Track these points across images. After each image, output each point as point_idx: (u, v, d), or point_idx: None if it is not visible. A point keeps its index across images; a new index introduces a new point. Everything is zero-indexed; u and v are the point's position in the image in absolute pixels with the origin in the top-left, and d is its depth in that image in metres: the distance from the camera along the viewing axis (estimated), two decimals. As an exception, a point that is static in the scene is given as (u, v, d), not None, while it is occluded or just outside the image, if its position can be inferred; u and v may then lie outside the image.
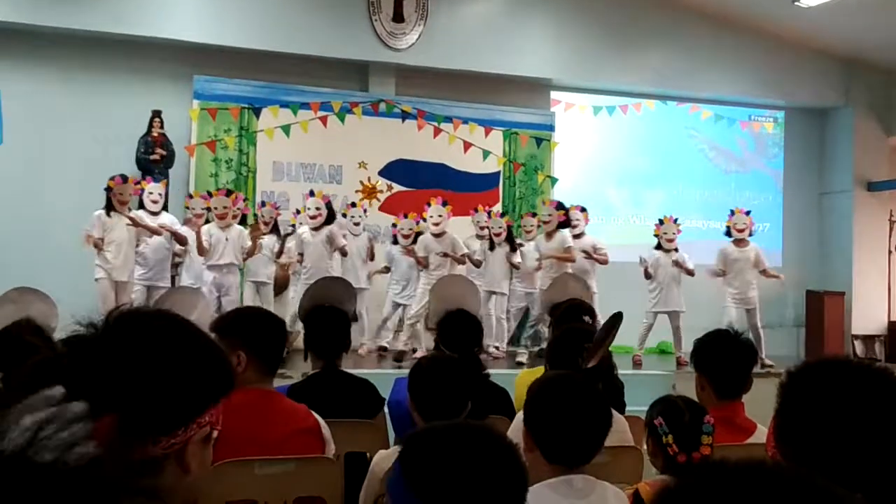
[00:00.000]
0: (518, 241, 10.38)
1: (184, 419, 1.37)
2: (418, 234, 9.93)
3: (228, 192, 9.46)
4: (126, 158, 10.32)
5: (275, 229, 9.80)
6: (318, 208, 9.35)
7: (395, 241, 10.10)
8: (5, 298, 4.38)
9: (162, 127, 10.44)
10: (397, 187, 11.47)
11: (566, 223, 9.89)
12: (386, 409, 4.06)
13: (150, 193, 9.20)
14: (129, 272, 8.79)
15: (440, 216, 9.86)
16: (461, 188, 11.57)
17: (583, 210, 10.40)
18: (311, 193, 9.60)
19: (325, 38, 10.97)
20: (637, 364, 10.02)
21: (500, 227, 10.11)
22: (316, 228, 9.31)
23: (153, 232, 8.94)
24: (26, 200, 9.96)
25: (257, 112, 10.93)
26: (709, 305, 10.35)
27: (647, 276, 10.19)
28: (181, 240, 9.12)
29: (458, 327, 4.27)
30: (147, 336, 1.37)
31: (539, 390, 2.55)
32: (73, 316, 1.41)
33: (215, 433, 1.42)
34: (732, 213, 10.53)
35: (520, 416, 2.92)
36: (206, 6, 10.63)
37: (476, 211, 10.57)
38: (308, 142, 11.07)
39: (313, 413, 3.23)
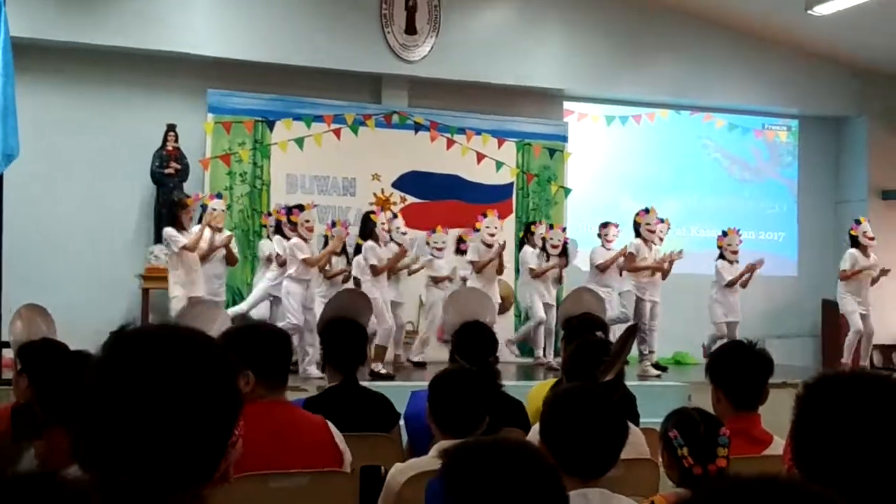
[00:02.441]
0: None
1: (225, 439, 1.37)
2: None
3: (301, 207, 9.45)
4: (141, 172, 10.38)
5: (342, 249, 9.59)
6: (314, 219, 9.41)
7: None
8: (16, 314, 4.44)
9: (176, 141, 10.49)
10: (411, 199, 11.48)
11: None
12: (402, 423, 4.07)
13: (214, 210, 9.20)
14: (202, 288, 8.80)
15: (497, 227, 10.08)
16: (474, 199, 11.55)
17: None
18: (333, 224, 9.68)
19: (338, 50, 11.01)
20: None
21: (559, 240, 10.33)
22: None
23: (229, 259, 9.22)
24: (41, 213, 10.03)
25: (271, 125, 10.96)
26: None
27: (744, 285, 10.33)
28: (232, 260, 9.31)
29: (473, 338, 4.28)
30: (157, 362, 1.34)
31: (555, 402, 2.55)
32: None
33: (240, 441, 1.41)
34: (858, 222, 10.60)
35: (535, 428, 2.91)
36: (220, 20, 10.68)
37: (539, 223, 10.75)
38: (321, 154, 11.09)
39: (329, 424, 3.24)
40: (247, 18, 10.75)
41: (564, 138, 12.26)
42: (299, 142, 10.94)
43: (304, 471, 3.04)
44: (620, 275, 10.23)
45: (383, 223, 9.59)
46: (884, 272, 10.50)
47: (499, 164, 11.76)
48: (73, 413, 1.36)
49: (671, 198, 13.06)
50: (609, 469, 2.42)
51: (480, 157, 11.69)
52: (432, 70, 11.44)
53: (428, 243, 10.21)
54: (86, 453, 1.30)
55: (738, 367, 3.44)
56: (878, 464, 1.45)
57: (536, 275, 10.33)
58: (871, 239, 10.46)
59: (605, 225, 10.84)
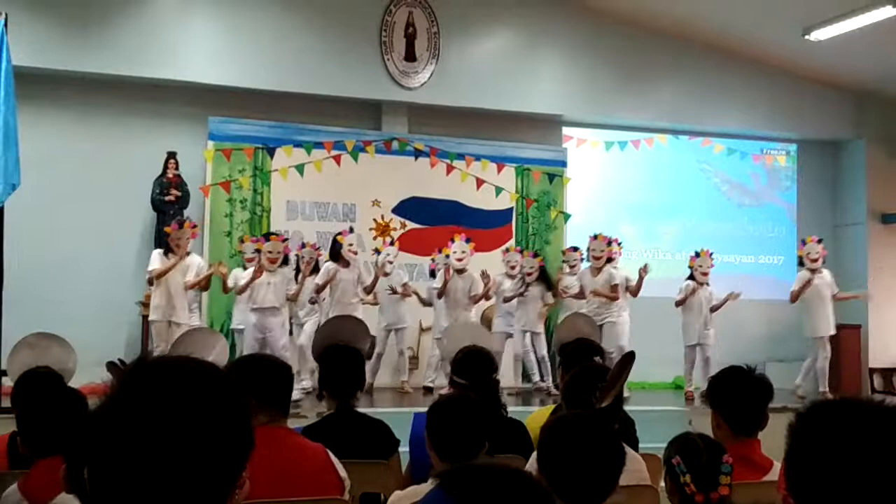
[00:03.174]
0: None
1: (233, 482, 1.35)
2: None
3: (284, 239, 9.54)
4: (142, 199, 10.40)
5: (315, 270, 9.63)
6: (278, 252, 9.25)
7: (433, 275, 10.38)
8: (23, 343, 4.40)
9: (177, 168, 10.53)
10: (411, 225, 11.51)
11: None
12: (407, 447, 4.04)
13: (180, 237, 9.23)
14: (182, 314, 8.83)
15: (464, 252, 9.90)
16: (474, 225, 11.58)
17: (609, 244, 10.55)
18: (303, 245, 9.69)
19: (338, 78, 11.07)
20: (690, 399, 10.05)
21: (531, 267, 10.18)
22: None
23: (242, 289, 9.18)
24: (43, 242, 10.03)
25: (271, 152, 11.01)
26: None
27: (714, 309, 10.29)
28: (204, 286, 9.27)
29: (471, 358, 4.27)
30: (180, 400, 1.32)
31: (551, 430, 2.54)
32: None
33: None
34: (804, 242, 10.63)
35: (535, 456, 2.91)
36: (221, 48, 10.75)
37: (507, 251, 10.66)
38: (322, 181, 11.13)
39: (328, 452, 3.23)
40: (247, 46, 10.81)
41: (564, 163, 12.30)
42: (299, 168, 10.97)
43: (303, 499, 3.03)
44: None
45: (350, 244, 9.61)
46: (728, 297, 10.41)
47: (498, 190, 11.79)
48: (68, 445, 1.35)
49: (670, 222, 13.10)
50: (607, 496, 2.42)
51: (480, 182, 11.72)
52: (432, 97, 11.50)
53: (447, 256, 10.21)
54: (91, 487, 1.29)
55: (737, 392, 3.43)
56: (872, 493, 1.44)
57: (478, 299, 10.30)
58: (815, 261, 10.42)
59: (565, 251, 10.99)
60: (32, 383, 3.71)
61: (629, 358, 3.31)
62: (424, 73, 11.51)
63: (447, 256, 10.06)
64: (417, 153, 11.55)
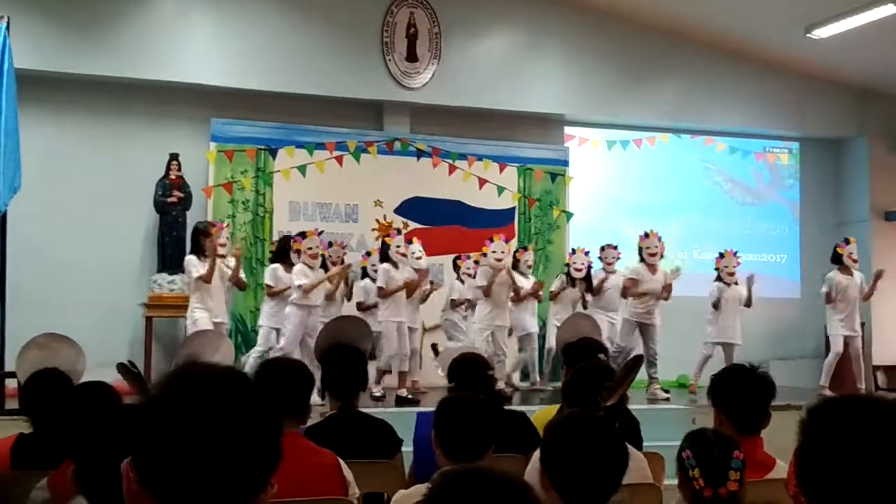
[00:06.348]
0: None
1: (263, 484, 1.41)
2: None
3: (304, 235, 9.53)
4: (145, 201, 10.41)
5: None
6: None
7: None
8: (32, 344, 4.41)
9: (179, 169, 10.53)
10: (413, 225, 11.50)
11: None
12: (409, 448, 4.06)
13: (218, 238, 9.25)
14: (223, 314, 8.82)
15: (503, 252, 9.88)
16: (477, 224, 11.59)
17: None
18: (330, 245, 9.69)
19: (340, 78, 11.08)
20: (693, 393, 10.06)
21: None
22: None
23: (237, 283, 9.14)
24: (45, 245, 10.04)
25: (273, 153, 11.01)
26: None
27: (748, 304, 10.25)
28: (241, 285, 9.25)
29: (460, 363, 4.33)
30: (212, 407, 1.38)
31: (555, 429, 2.55)
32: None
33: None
34: (847, 241, 10.60)
35: (536, 454, 2.91)
36: (223, 50, 10.75)
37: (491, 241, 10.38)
38: (324, 181, 11.13)
39: (334, 454, 3.24)
40: (249, 48, 10.81)
41: (566, 163, 12.31)
42: (302, 169, 10.99)
43: (308, 499, 3.04)
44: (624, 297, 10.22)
45: (398, 246, 9.54)
46: (877, 276, 10.37)
47: (500, 189, 11.79)
48: (77, 446, 1.40)
49: (673, 221, 13.06)
50: (610, 497, 2.42)
51: (482, 182, 11.73)
52: (433, 97, 11.50)
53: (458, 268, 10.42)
54: (141, 476, 1.35)
55: (739, 390, 3.43)
56: (884, 489, 1.45)
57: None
58: (856, 261, 10.43)
59: (604, 248, 10.87)
60: (44, 384, 3.71)
61: (638, 361, 3.31)
62: (426, 74, 11.51)
63: (484, 255, 9.99)
64: (419, 153, 11.56)
